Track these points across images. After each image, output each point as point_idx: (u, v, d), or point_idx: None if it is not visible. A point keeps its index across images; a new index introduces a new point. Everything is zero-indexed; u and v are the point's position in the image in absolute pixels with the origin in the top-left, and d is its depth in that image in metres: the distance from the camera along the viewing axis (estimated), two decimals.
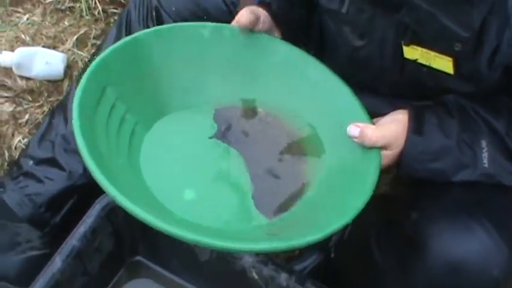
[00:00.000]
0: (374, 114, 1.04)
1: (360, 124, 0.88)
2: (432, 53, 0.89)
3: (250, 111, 1.01)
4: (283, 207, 0.89)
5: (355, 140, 0.88)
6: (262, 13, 1.01)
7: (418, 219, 0.88)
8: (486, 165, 0.86)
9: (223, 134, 0.97)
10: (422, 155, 0.87)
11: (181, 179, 0.90)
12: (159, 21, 1.18)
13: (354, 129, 0.88)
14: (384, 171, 0.88)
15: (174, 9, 1.17)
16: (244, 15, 0.97)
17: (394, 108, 1.00)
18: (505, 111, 0.89)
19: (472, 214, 0.86)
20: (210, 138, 0.96)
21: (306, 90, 0.99)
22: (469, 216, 0.86)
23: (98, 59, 0.90)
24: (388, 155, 0.88)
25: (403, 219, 0.92)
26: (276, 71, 1.01)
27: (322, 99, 0.98)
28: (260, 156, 0.96)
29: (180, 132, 0.96)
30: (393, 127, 0.89)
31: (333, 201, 0.86)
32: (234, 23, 0.98)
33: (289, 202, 0.90)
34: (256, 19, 0.98)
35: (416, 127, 0.87)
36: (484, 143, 0.86)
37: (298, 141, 0.98)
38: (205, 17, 1.15)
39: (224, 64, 1.01)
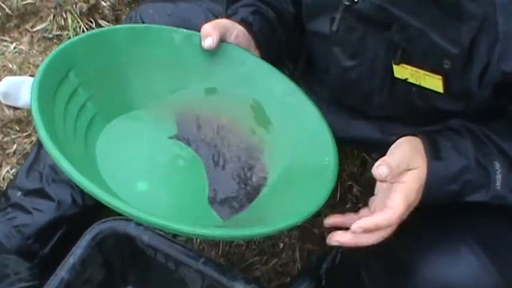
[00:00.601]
0: (363, 139, 1.04)
1: (380, 162, 0.82)
2: (422, 72, 0.89)
3: (212, 116, 1.02)
4: (238, 209, 0.91)
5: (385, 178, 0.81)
6: (239, 29, 1.03)
7: (407, 242, 0.87)
8: (499, 187, 0.85)
9: (183, 135, 1.00)
10: (443, 180, 0.84)
11: (135, 171, 0.92)
12: None
13: (383, 169, 0.81)
14: None
15: None
16: (205, 32, 0.99)
17: (383, 133, 1.00)
18: (510, 132, 0.88)
19: (461, 238, 0.86)
20: (170, 138, 0.99)
21: (271, 102, 1.01)
22: (459, 240, 0.86)
23: (65, 42, 0.92)
24: (414, 179, 0.82)
25: (392, 243, 0.91)
26: (241, 80, 1.03)
27: (285, 113, 1.00)
28: (218, 159, 0.98)
29: (139, 130, 0.98)
30: (398, 150, 0.85)
31: (286, 203, 0.88)
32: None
33: (244, 204, 0.92)
34: (225, 32, 1.01)
35: (433, 153, 0.84)
36: (497, 165, 0.85)
37: (256, 147, 0.99)
38: None
39: (191, 70, 1.03)
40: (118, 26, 1.01)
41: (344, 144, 1.27)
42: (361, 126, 1.03)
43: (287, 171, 0.94)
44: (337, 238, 0.82)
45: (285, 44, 1.11)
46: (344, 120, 1.05)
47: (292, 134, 0.98)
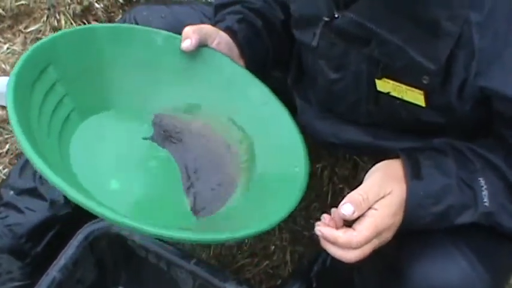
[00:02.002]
0: (355, 144, 1.05)
1: (345, 200, 0.82)
2: (404, 86, 0.90)
3: (188, 121, 1.03)
4: (211, 209, 0.92)
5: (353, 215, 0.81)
6: (222, 37, 1.04)
7: (399, 246, 0.88)
8: (487, 203, 0.84)
9: (159, 137, 1.00)
10: (425, 199, 0.83)
11: (108, 169, 0.92)
12: None
13: (347, 208, 0.80)
14: None
15: None
16: (185, 34, 1.00)
17: (375, 138, 1.01)
18: (499, 147, 0.88)
19: (454, 242, 0.86)
20: (145, 139, 0.99)
21: (247, 110, 1.02)
22: (451, 244, 0.86)
23: (48, 36, 0.93)
24: (386, 205, 0.82)
25: (384, 246, 0.92)
26: (219, 87, 1.04)
27: (260, 121, 1.01)
28: (192, 161, 0.98)
29: (115, 129, 0.98)
30: (368, 181, 0.85)
31: (254, 210, 0.89)
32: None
33: (218, 204, 0.92)
34: (206, 38, 1.02)
35: (414, 173, 0.84)
36: (482, 181, 0.85)
37: (231, 151, 1.00)
38: None
39: (170, 73, 1.03)
40: (101, 24, 1.02)
41: (336, 149, 1.28)
42: (352, 132, 1.04)
43: (259, 178, 0.95)
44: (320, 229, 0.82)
45: (273, 52, 1.12)
46: (336, 126, 1.06)
47: (265, 142, 0.99)
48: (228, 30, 1.06)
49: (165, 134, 1.01)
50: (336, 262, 1.11)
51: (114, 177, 0.91)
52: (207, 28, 1.04)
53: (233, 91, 1.03)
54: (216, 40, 1.04)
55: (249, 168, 0.97)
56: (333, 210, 0.83)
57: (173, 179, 0.95)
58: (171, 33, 1.04)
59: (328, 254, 1.15)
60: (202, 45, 1.03)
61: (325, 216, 0.83)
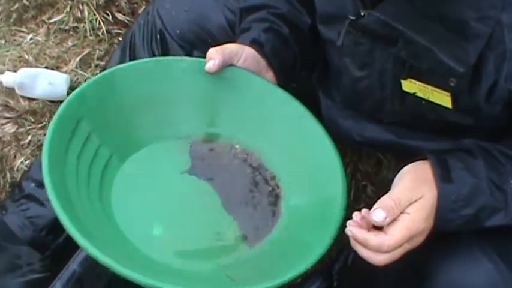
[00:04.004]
0: (379, 142, 1.03)
1: (376, 205, 0.81)
2: (430, 88, 0.88)
3: (226, 146, 1.02)
4: (262, 236, 0.91)
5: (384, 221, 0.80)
6: (248, 53, 1.02)
7: (423, 247, 0.86)
8: None
9: (198, 168, 0.99)
10: (455, 203, 0.82)
11: (151, 213, 0.91)
12: (163, 44, 1.18)
13: (379, 213, 0.80)
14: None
15: (178, 32, 1.17)
16: (209, 56, 0.99)
17: (399, 137, 0.99)
18: None
19: (479, 245, 0.85)
20: (183, 173, 0.98)
21: (280, 128, 1.01)
22: (477, 247, 0.85)
23: (75, 91, 0.92)
24: (418, 209, 0.81)
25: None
26: (251, 106, 1.02)
27: (295, 139, 0.99)
28: (234, 191, 0.97)
29: (154, 166, 0.97)
30: (399, 186, 0.84)
31: (295, 243, 0.88)
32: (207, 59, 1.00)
33: (267, 231, 0.92)
34: (231, 57, 1.00)
35: (444, 176, 0.83)
36: None
37: (273, 177, 0.99)
38: (209, 40, 1.15)
39: (200, 99, 1.02)
40: (120, 66, 1.00)
41: (360, 147, 1.26)
42: (376, 130, 1.02)
43: (297, 207, 0.94)
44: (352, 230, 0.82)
45: (301, 57, 1.10)
46: (359, 124, 1.04)
47: (302, 164, 0.97)
48: (254, 43, 1.04)
49: (203, 164, 0.99)
50: (358, 261, 1.10)
51: (157, 221, 0.90)
52: (231, 47, 1.02)
53: (265, 108, 1.02)
54: (242, 57, 1.02)
55: (288, 191, 0.97)
56: (365, 210, 0.82)
57: (216, 212, 0.94)
58: (195, 58, 1.03)
59: (350, 253, 1.16)
60: (228, 65, 1.01)
61: (356, 214, 0.82)
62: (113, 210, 0.89)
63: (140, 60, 1.04)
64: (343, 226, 0.84)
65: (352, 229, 0.81)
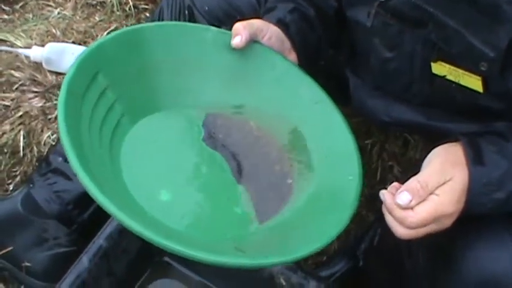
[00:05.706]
0: (407, 123, 1.02)
1: (402, 188, 0.81)
2: (460, 71, 0.87)
3: (241, 121, 1.01)
4: (272, 213, 0.90)
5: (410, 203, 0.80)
6: (273, 31, 1.01)
7: (452, 230, 0.85)
8: None
9: (211, 139, 0.98)
10: (487, 186, 0.81)
11: (159, 178, 0.90)
12: (191, 20, 1.18)
13: (404, 196, 0.80)
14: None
15: (207, 8, 1.17)
16: (235, 31, 0.98)
17: (428, 118, 0.98)
18: None
19: (506, 227, 0.84)
20: (197, 141, 0.97)
21: (298, 109, 1.00)
22: (503, 229, 0.84)
23: (95, 43, 0.91)
24: (447, 191, 0.80)
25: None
26: (271, 85, 1.01)
27: (313, 120, 0.98)
28: (248, 165, 0.96)
29: (166, 132, 0.96)
30: (428, 168, 0.83)
31: (308, 223, 0.87)
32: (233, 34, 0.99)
33: (278, 209, 0.91)
34: (256, 33, 0.99)
35: (476, 159, 0.82)
36: None
37: (286, 157, 0.98)
38: (238, 16, 1.14)
39: (221, 71, 1.01)
40: (148, 24, 0.99)
41: (387, 127, 1.25)
42: (404, 111, 1.01)
43: (313, 186, 0.93)
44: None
45: (325, 40, 1.09)
46: (388, 104, 1.03)
47: (316, 146, 0.96)
48: (279, 23, 1.03)
49: (216, 135, 0.99)
50: (384, 241, 1.10)
51: (165, 187, 0.89)
52: (258, 23, 1.01)
53: (284, 89, 1.01)
54: (267, 35, 1.01)
55: (302, 172, 0.95)
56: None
57: (226, 184, 0.94)
58: (221, 30, 1.02)
59: (376, 233, 1.15)
60: (253, 41, 1.00)
61: (395, 184, 0.83)
62: (122, 172, 0.88)
63: (168, 22, 1.03)
64: (360, 208, 0.84)
65: (385, 193, 0.81)
